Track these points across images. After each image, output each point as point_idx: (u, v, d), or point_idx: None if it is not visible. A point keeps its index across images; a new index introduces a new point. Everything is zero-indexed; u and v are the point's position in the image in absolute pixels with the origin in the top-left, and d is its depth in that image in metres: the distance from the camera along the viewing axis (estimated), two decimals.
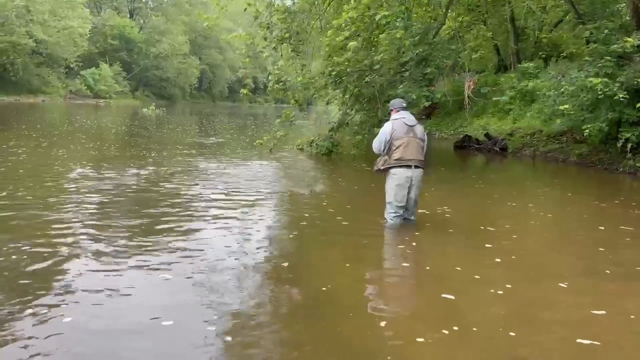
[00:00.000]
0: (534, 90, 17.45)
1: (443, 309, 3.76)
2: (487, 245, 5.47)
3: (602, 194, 9.60)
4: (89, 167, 9.79)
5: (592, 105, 11.17)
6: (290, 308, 3.77)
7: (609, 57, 10.59)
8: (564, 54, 17.97)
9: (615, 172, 11.48)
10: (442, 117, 22.47)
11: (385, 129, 5.88)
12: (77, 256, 4.58)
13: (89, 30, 51.92)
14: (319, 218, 6.62)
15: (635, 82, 10.15)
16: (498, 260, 4.96)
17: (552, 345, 3.30)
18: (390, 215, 5.95)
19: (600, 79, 10.28)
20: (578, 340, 3.31)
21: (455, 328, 3.41)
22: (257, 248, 5.13)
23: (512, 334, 3.38)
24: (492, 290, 4.12)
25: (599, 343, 3.28)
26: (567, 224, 7.05)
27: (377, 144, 5.93)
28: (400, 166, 5.80)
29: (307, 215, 6.65)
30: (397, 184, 5.82)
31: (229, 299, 3.82)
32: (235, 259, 4.70)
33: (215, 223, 6.00)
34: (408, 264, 4.98)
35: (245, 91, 13.56)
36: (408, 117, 5.94)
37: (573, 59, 16.54)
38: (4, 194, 6.93)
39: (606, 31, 11.30)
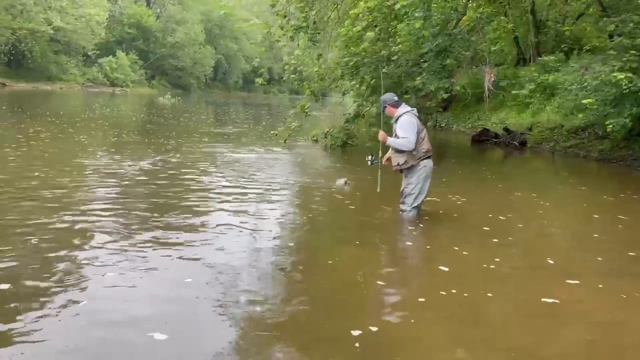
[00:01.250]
0: (555, 84, 17.09)
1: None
2: (495, 239, 5.37)
3: (624, 189, 9.37)
4: (111, 153, 10.08)
5: (615, 100, 10.88)
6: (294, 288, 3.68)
7: (634, 51, 10.29)
8: (587, 48, 17.55)
9: (638, 169, 11.21)
10: (460, 110, 22.18)
11: (412, 121, 5.72)
12: (94, 234, 4.67)
13: (106, 19, 52.18)
14: (334, 208, 6.55)
15: None
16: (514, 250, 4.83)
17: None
18: (414, 205, 5.83)
19: (624, 74, 10.00)
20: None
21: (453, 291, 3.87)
22: (271, 238, 5.10)
23: (489, 294, 3.84)
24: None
25: None
26: (581, 218, 6.88)
27: (412, 139, 5.61)
28: (428, 157, 5.80)
29: (322, 203, 6.59)
30: (426, 175, 5.78)
31: (242, 283, 3.85)
32: (247, 250, 4.70)
33: (227, 213, 5.98)
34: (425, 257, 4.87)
35: (260, 81, 13.47)
36: (412, 109, 5.91)
37: (595, 53, 16.14)
38: (36, 174, 7.35)
39: (631, 24, 10.97)
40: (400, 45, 12.77)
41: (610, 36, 17.05)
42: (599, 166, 12.25)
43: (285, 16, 12.42)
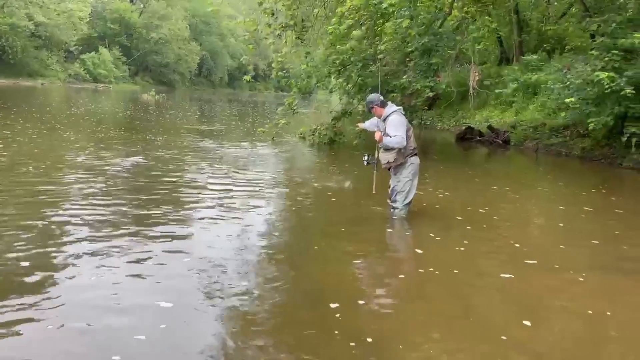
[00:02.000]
0: (538, 83, 17.34)
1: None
2: (468, 226, 5.61)
3: (597, 185, 9.61)
4: (99, 149, 10.07)
5: (597, 99, 11.09)
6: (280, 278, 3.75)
7: (615, 51, 10.50)
8: (569, 47, 17.84)
9: (619, 167, 11.45)
10: (444, 109, 22.36)
11: (402, 120, 5.81)
12: (79, 228, 4.63)
13: (89, 14, 51.49)
14: (322, 204, 6.61)
15: None
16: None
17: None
18: (405, 203, 5.90)
19: (607, 73, 10.20)
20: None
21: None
22: (256, 232, 5.19)
23: (456, 271, 4.34)
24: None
25: None
26: (561, 215, 7.05)
27: (400, 137, 5.65)
28: (415, 154, 5.90)
29: (310, 201, 6.65)
30: (414, 172, 5.87)
31: (228, 281, 3.88)
32: (234, 242, 4.80)
33: (215, 208, 6.04)
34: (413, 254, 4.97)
35: (247, 78, 13.45)
36: (399, 108, 5.96)
37: (577, 53, 16.41)
38: (24, 169, 7.46)
39: (614, 25, 11.19)
40: (386, 44, 12.85)
41: (592, 36, 17.37)
42: (580, 164, 12.48)
43: (272, 14, 12.43)
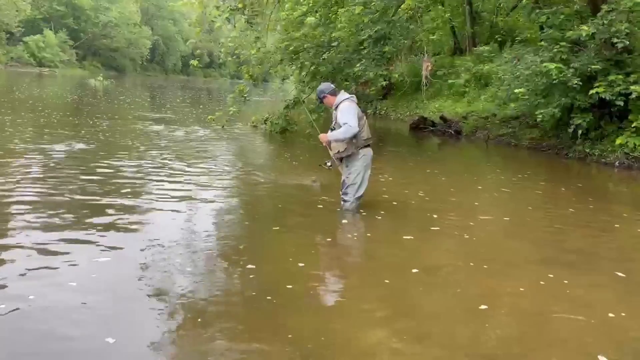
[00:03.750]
0: (489, 74, 17.57)
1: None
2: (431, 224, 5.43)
3: (550, 178, 9.77)
4: (42, 135, 9.67)
5: (545, 90, 11.24)
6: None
7: (563, 43, 10.64)
8: (519, 39, 18.13)
9: (565, 158, 11.69)
10: (398, 98, 22.43)
11: (353, 107, 5.55)
12: (14, 230, 4.33)
13: None
14: (276, 196, 6.40)
15: (589, 69, 10.26)
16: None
17: None
18: (356, 197, 5.66)
19: (555, 64, 10.32)
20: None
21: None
22: (207, 228, 4.92)
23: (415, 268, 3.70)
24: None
25: None
26: (508, 204, 7.11)
27: (352, 123, 5.37)
28: (368, 146, 5.66)
29: (261, 193, 6.43)
30: (366, 164, 5.63)
31: (177, 278, 3.66)
32: (184, 237, 4.57)
33: (164, 200, 5.75)
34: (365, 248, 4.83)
35: (195, 63, 13.01)
36: (352, 96, 5.73)
37: (527, 44, 16.67)
38: None
39: (562, 17, 11.35)
40: (340, 32, 12.65)
41: (542, 28, 17.72)
42: (528, 155, 12.69)
43: None
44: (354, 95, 5.83)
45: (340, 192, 5.79)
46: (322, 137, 5.68)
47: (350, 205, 5.68)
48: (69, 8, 57.67)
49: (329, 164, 6.02)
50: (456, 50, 25.79)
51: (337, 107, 5.62)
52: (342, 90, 5.91)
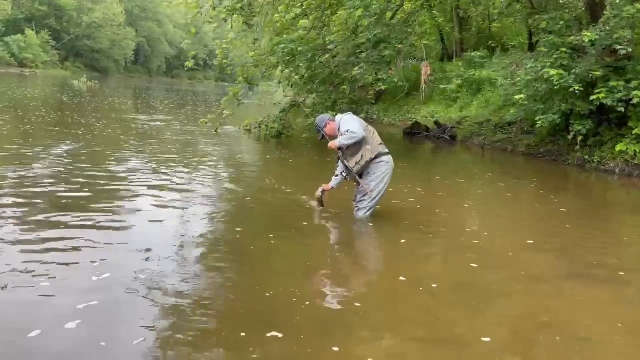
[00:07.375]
0: (483, 80, 17.52)
1: None
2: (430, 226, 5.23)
3: (548, 185, 9.65)
4: (24, 136, 9.45)
5: (545, 96, 11.15)
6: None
7: (564, 49, 10.57)
8: (508, 45, 18.14)
9: (563, 164, 11.60)
10: (390, 103, 22.30)
11: (355, 118, 5.44)
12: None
13: None
14: (270, 202, 6.15)
15: (589, 75, 10.19)
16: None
17: None
18: (370, 205, 5.41)
19: (556, 70, 10.24)
20: None
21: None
22: (198, 236, 4.65)
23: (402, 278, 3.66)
24: None
25: None
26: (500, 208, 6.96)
27: (354, 129, 5.18)
28: (388, 153, 5.46)
29: (257, 200, 6.20)
30: (387, 172, 5.40)
31: (165, 282, 3.48)
32: (174, 241, 4.40)
33: (153, 203, 5.53)
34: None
35: (190, 64, 12.67)
36: (348, 113, 5.65)
37: (516, 51, 16.61)
38: None
39: (561, 22, 11.30)
40: (334, 35, 12.44)
41: (530, 34, 17.76)
42: (524, 161, 12.58)
43: None
44: (349, 112, 5.67)
45: (354, 201, 5.54)
46: (332, 143, 5.44)
47: (364, 214, 5.44)
48: (52, 8, 56.63)
49: (344, 173, 5.62)
50: (444, 55, 25.80)
51: (339, 125, 5.42)
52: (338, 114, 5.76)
